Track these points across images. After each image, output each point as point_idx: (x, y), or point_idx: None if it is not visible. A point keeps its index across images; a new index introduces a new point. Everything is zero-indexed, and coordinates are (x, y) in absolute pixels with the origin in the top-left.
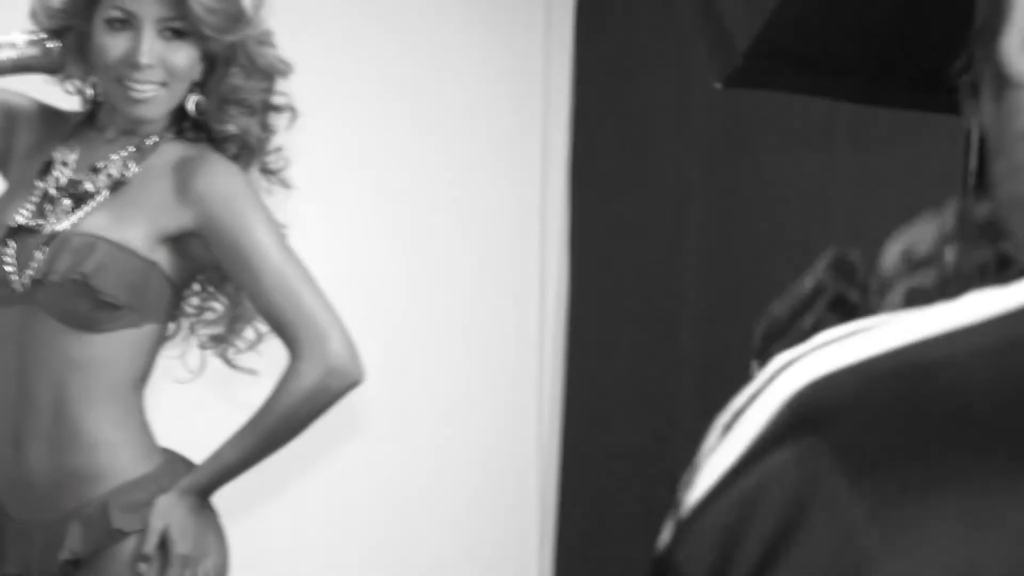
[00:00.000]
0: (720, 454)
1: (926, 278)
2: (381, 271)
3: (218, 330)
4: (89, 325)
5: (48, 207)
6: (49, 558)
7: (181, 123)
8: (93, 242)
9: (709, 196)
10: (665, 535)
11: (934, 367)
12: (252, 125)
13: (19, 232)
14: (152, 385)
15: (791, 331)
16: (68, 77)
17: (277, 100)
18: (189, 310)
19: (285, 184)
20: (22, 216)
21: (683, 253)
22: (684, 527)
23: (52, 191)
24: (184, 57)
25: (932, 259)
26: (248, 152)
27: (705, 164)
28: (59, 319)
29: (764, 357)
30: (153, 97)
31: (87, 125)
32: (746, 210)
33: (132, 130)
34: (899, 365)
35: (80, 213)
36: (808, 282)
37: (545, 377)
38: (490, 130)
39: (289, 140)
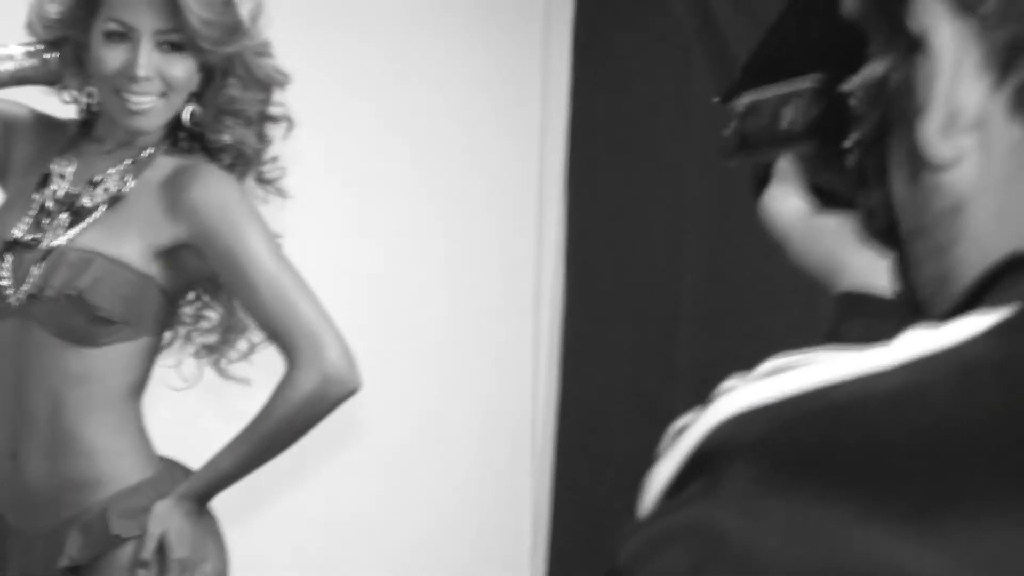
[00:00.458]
0: (664, 465)
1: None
2: (376, 280)
3: (212, 339)
4: (85, 339)
5: (45, 221)
6: (49, 566)
7: (177, 133)
8: (89, 257)
9: (706, 205)
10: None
11: (844, 409)
12: (248, 136)
13: (16, 246)
14: (148, 393)
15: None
16: (65, 88)
17: (274, 110)
18: (185, 319)
19: (281, 193)
20: (19, 230)
21: (680, 262)
22: (625, 539)
23: (49, 204)
24: (182, 69)
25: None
26: (244, 162)
27: (702, 173)
28: (55, 333)
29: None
30: (151, 109)
31: (84, 136)
32: (743, 220)
33: (129, 141)
34: (813, 406)
35: (77, 228)
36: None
37: (540, 386)
38: (487, 139)
39: (284, 149)
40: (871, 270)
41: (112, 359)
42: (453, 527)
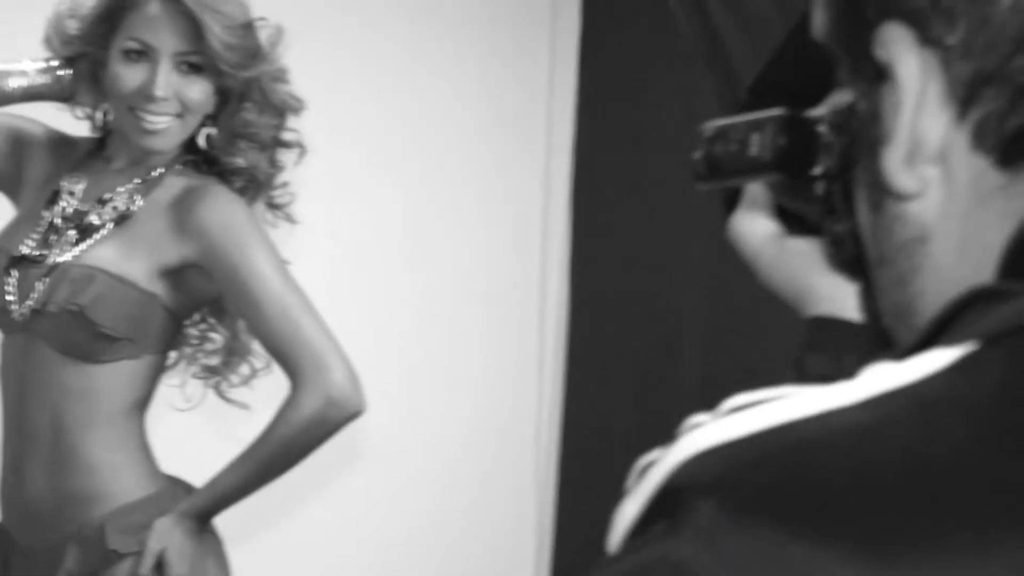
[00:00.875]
0: (631, 502)
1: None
2: (378, 295)
3: (214, 361)
4: (87, 356)
5: (53, 237)
6: None
7: (189, 154)
8: (92, 274)
9: (711, 221)
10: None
11: (806, 447)
12: (261, 160)
13: (22, 262)
14: (150, 413)
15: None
16: (78, 105)
17: (287, 136)
18: (190, 340)
19: (291, 219)
20: (26, 246)
21: (684, 279)
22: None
23: (58, 221)
24: (199, 91)
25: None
26: (255, 186)
27: (707, 191)
28: (58, 349)
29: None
30: (166, 129)
31: (95, 154)
32: None
33: (140, 160)
34: (776, 444)
35: (83, 245)
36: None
37: (544, 403)
38: (491, 155)
39: (294, 171)
40: (840, 295)
41: (115, 376)
42: (456, 545)
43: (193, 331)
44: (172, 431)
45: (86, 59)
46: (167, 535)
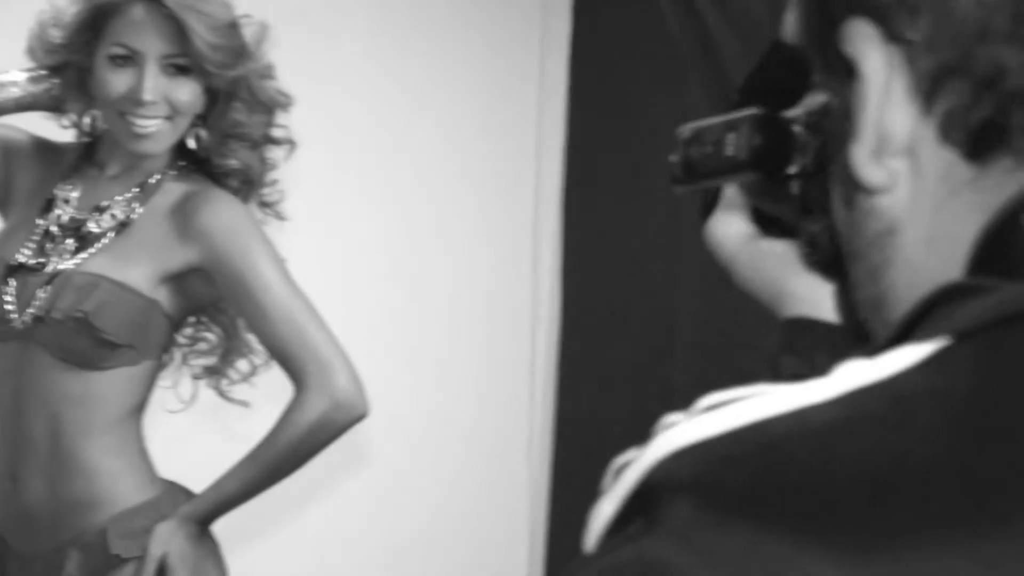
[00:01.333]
0: (607, 502)
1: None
2: (369, 298)
3: (211, 361)
4: (88, 363)
5: (49, 246)
6: None
7: (182, 158)
8: (95, 281)
9: (702, 223)
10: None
11: (780, 444)
12: (253, 159)
13: (20, 270)
14: (146, 414)
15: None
16: (67, 113)
17: (276, 133)
18: (182, 340)
19: (280, 216)
20: (23, 255)
21: (675, 281)
22: (571, 574)
23: (54, 229)
24: (187, 92)
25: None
26: (249, 186)
27: (699, 193)
28: (59, 357)
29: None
30: (157, 132)
31: (86, 161)
32: None
33: (133, 166)
34: (750, 442)
35: (84, 254)
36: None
37: (536, 406)
38: (482, 159)
39: (283, 170)
40: (816, 296)
41: (114, 382)
42: (450, 549)
43: (186, 331)
44: (172, 431)
45: (72, 67)
46: (169, 539)
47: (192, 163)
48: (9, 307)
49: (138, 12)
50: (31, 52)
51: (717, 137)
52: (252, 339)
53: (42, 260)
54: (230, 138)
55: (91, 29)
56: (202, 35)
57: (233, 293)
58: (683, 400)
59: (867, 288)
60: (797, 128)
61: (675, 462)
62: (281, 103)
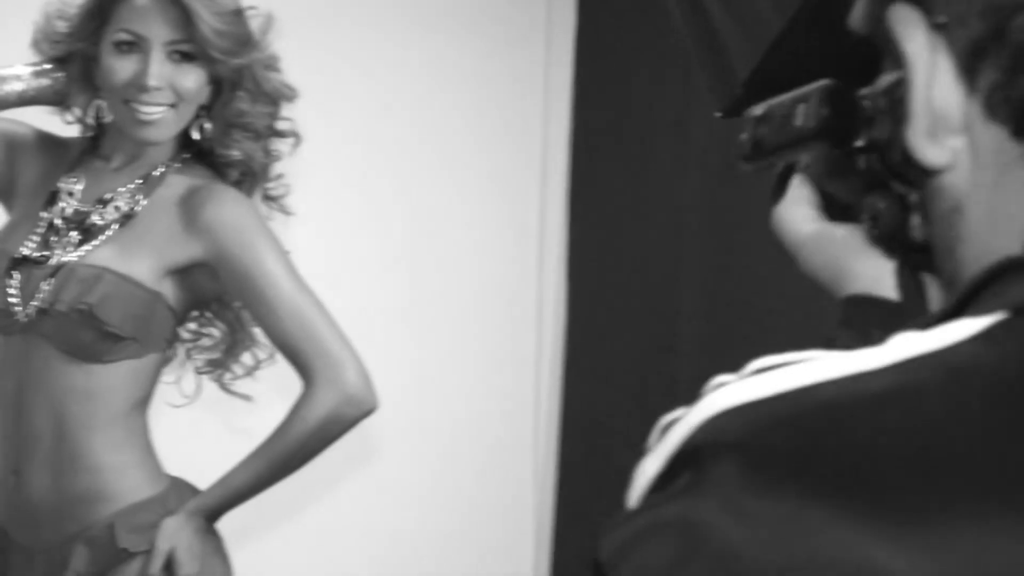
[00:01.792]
0: (652, 459)
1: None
2: (375, 295)
3: (215, 356)
4: (92, 356)
5: (53, 238)
6: None
7: (186, 149)
8: (99, 273)
9: (707, 219)
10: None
11: (830, 409)
12: (256, 150)
13: (24, 263)
14: (153, 410)
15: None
16: (72, 106)
17: (281, 126)
18: (185, 335)
19: (285, 211)
20: (27, 247)
21: (680, 276)
22: (609, 531)
23: (58, 222)
24: (192, 80)
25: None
26: (251, 178)
27: (703, 188)
28: (63, 349)
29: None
30: (161, 119)
31: (91, 153)
32: (744, 234)
33: (138, 156)
34: (800, 405)
35: (88, 246)
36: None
37: (542, 401)
38: (488, 156)
39: (289, 164)
40: (878, 275)
41: (118, 376)
42: (455, 543)
43: (190, 326)
44: (177, 426)
45: (77, 58)
46: (177, 534)
47: (196, 155)
48: (13, 300)
49: None
50: (36, 45)
51: (787, 111)
52: (256, 334)
53: (46, 253)
54: (233, 128)
55: (97, 17)
56: (207, 21)
57: (240, 289)
58: (688, 395)
59: (944, 265)
60: (866, 102)
61: (722, 422)
62: (286, 95)
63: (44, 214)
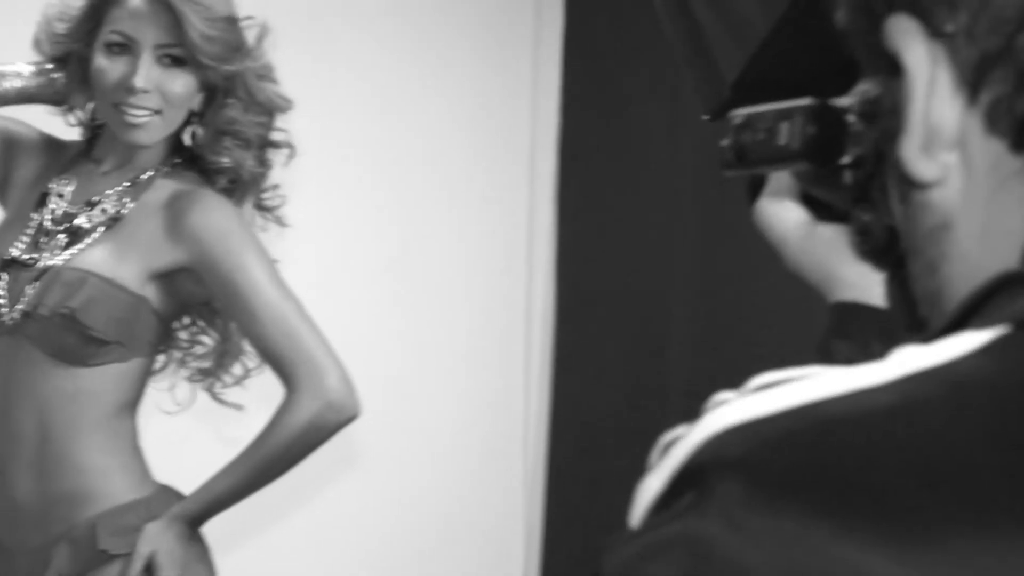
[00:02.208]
0: (654, 478)
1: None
2: (364, 300)
3: (206, 364)
4: (77, 359)
5: (43, 240)
6: None
7: (177, 153)
8: (83, 277)
9: (696, 224)
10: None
11: (834, 426)
12: (247, 159)
13: (12, 265)
14: (140, 417)
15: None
16: (71, 107)
17: (276, 136)
18: (180, 344)
19: (280, 222)
20: (16, 249)
21: (670, 281)
22: (612, 549)
23: (47, 224)
24: (181, 85)
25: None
26: (241, 186)
27: (692, 192)
28: (47, 353)
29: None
30: (148, 123)
31: (85, 156)
32: (734, 236)
33: (128, 160)
34: (803, 422)
35: (74, 249)
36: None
37: (532, 406)
38: (478, 158)
39: (281, 173)
40: (866, 282)
41: (103, 379)
42: (445, 548)
43: (183, 334)
44: (164, 434)
45: (74, 59)
46: (158, 538)
47: (187, 160)
48: (0, 302)
49: (136, 1)
50: (37, 44)
51: (770, 125)
52: (245, 342)
53: (35, 255)
54: (224, 135)
55: (91, 19)
56: (196, 25)
57: (223, 294)
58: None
59: (925, 282)
60: (851, 118)
61: (725, 440)
62: (280, 106)
63: (34, 215)
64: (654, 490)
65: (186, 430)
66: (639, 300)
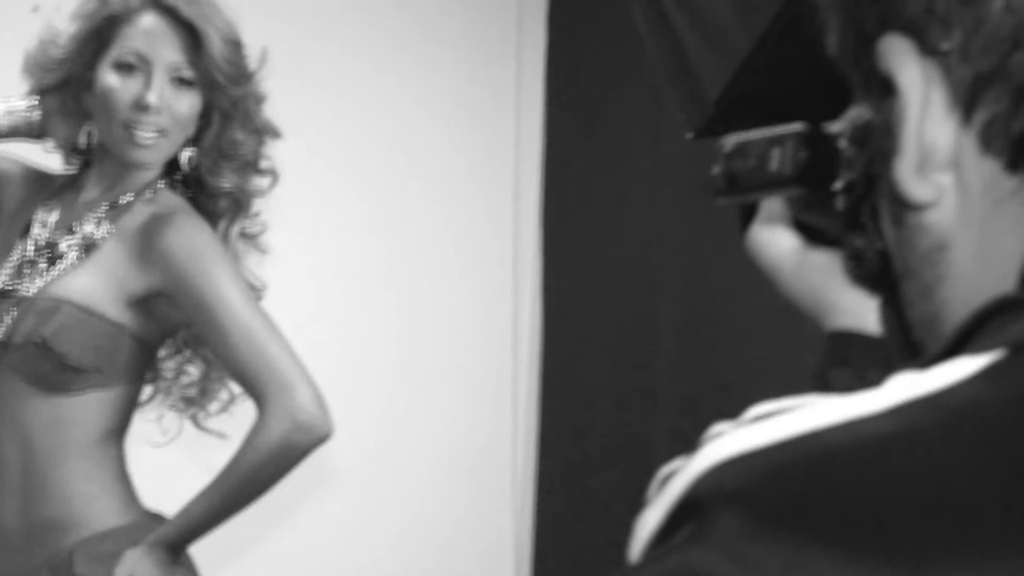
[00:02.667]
0: (652, 512)
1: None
2: (349, 318)
3: (192, 392)
4: (55, 387)
5: (27, 269)
6: None
7: (170, 177)
8: (56, 305)
9: (681, 240)
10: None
11: (832, 455)
12: (246, 182)
13: None
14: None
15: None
16: (53, 139)
17: (263, 163)
18: (165, 374)
19: (261, 249)
20: (1, 279)
21: (656, 297)
22: None
23: (30, 252)
24: (188, 106)
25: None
26: (237, 208)
27: (677, 209)
28: (27, 381)
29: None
30: (156, 143)
31: (70, 185)
32: (719, 251)
33: (116, 183)
34: (801, 452)
35: (48, 276)
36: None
37: (520, 422)
38: (462, 175)
39: (268, 194)
40: (861, 309)
41: (85, 406)
42: (435, 566)
43: (170, 363)
44: (150, 465)
45: (71, 83)
46: (135, 565)
47: (173, 184)
48: None
49: (149, 20)
50: (28, 72)
51: (761, 151)
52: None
53: (17, 284)
54: (225, 158)
55: (96, 39)
56: (217, 45)
57: (195, 315)
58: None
59: (920, 305)
60: (842, 143)
61: (723, 472)
62: (272, 132)
63: (19, 244)
64: (653, 523)
65: (172, 459)
66: (625, 315)
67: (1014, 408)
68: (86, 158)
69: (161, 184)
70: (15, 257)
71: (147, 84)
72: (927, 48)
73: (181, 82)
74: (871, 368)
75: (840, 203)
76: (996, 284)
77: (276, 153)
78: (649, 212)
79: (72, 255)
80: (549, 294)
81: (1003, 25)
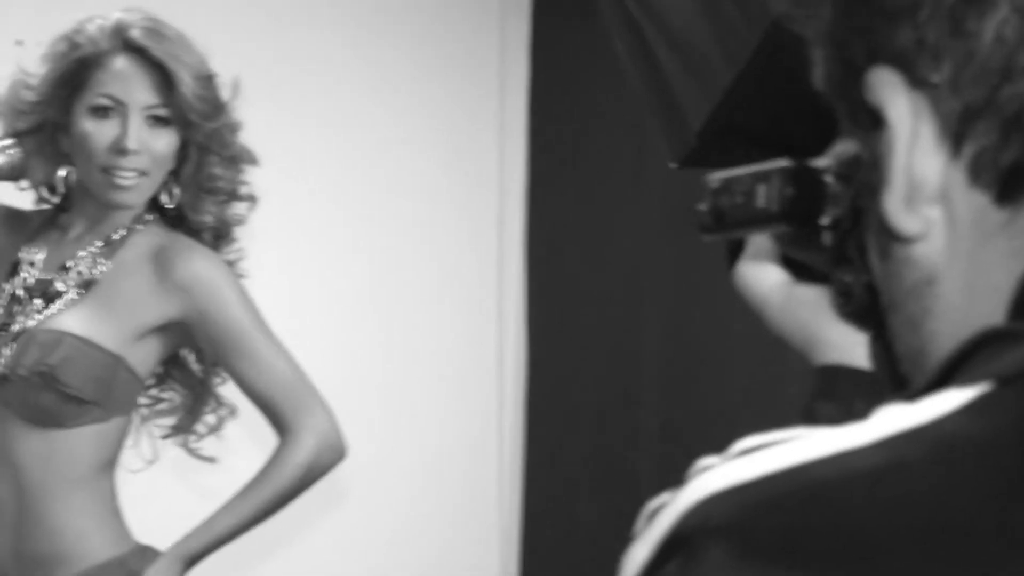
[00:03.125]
0: (640, 546)
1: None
2: (334, 331)
3: (177, 419)
4: (55, 421)
5: (16, 308)
6: None
7: (149, 211)
8: (59, 337)
9: (667, 265)
10: None
11: (820, 489)
12: (227, 213)
13: None
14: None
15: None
16: (30, 180)
17: (242, 190)
18: (144, 400)
19: (239, 274)
20: None
21: (640, 325)
22: None
23: (20, 292)
24: (166, 144)
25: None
26: (218, 240)
27: (660, 235)
28: (24, 417)
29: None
30: (136, 185)
31: (51, 224)
32: (704, 280)
33: (99, 221)
34: (789, 486)
35: (48, 312)
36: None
37: (505, 451)
38: (447, 193)
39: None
40: (849, 343)
41: (82, 440)
42: None
43: (150, 392)
44: (138, 489)
45: (46, 126)
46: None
47: (162, 218)
48: None
49: (121, 63)
50: (1, 116)
51: (747, 188)
52: (220, 393)
53: (8, 322)
54: (206, 193)
55: (69, 84)
56: (188, 84)
57: (217, 345)
58: (649, 440)
59: (907, 339)
60: (828, 179)
61: (710, 506)
62: (249, 159)
63: (6, 285)
64: (641, 558)
65: (161, 484)
66: (610, 346)
67: (1000, 440)
68: (63, 197)
69: (149, 217)
70: (3, 298)
71: (124, 127)
72: (916, 80)
73: (157, 120)
74: (859, 401)
75: (827, 239)
76: (984, 318)
77: (260, 179)
78: (633, 239)
79: (71, 293)
80: (533, 325)
81: (993, 57)
